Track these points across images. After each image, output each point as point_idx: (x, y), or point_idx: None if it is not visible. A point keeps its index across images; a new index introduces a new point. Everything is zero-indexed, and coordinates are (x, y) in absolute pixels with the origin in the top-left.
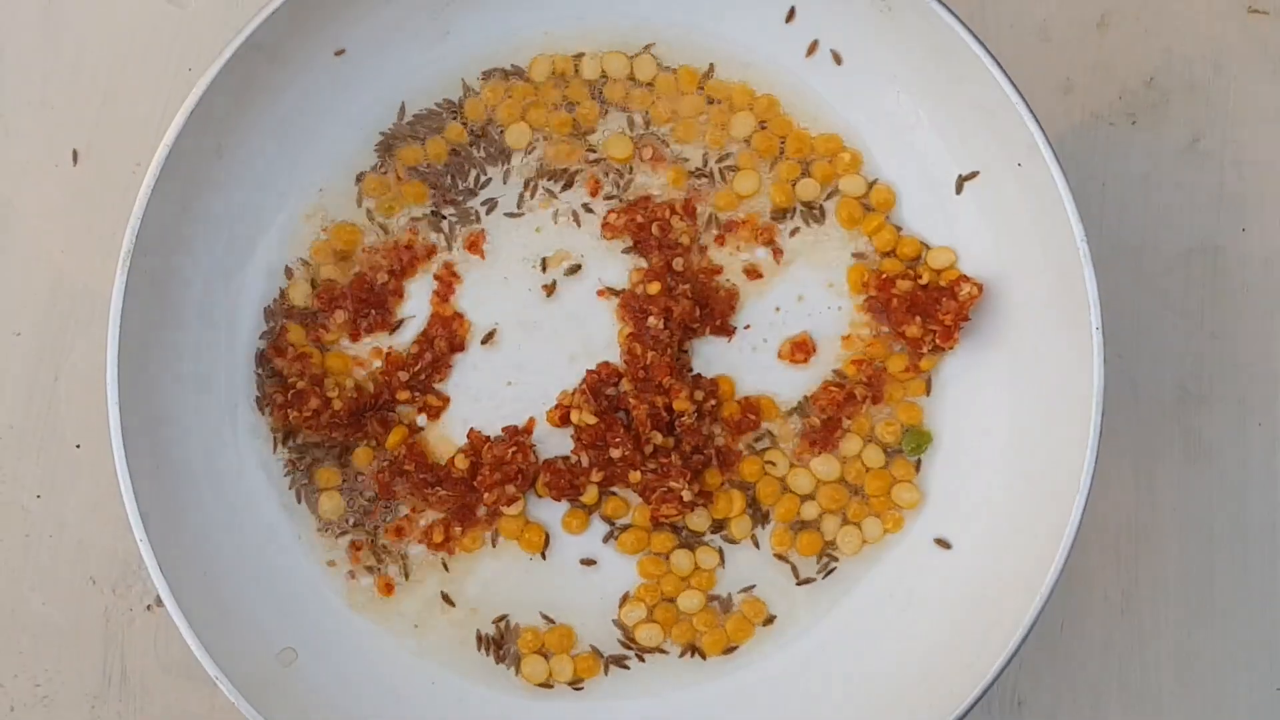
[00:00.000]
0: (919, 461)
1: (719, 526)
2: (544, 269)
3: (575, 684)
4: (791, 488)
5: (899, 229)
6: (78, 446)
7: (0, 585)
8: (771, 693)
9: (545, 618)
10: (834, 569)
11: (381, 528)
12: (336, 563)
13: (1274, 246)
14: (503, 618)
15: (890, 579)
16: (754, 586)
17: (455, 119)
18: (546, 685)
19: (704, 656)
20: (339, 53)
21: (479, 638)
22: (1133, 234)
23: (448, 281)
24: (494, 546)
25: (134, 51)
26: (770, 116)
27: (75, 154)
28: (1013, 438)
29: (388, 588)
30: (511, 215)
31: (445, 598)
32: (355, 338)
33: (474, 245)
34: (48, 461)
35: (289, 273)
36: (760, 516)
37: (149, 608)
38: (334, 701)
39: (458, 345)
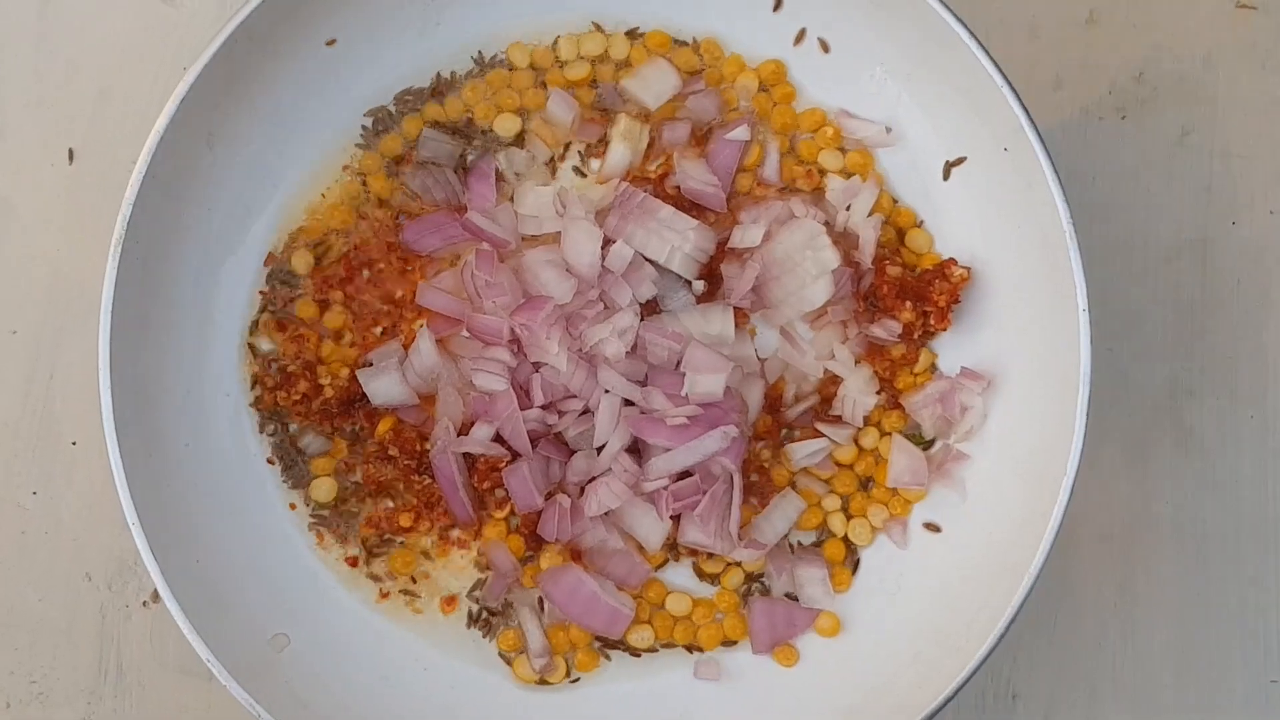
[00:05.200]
0: (928, 445)
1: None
2: None
3: (573, 679)
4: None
5: (894, 200)
6: (73, 443)
7: None
8: (762, 678)
9: (540, 606)
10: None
11: (368, 516)
12: (328, 549)
13: (1263, 239)
14: (501, 604)
15: (880, 563)
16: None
17: (438, 103)
18: (541, 683)
19: (701, 650)
20: (330, 43)
21: (472, 620)
22: (1123, 228)
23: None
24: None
25: (129, 51)
26: (775, 81)
27: (71, 153)
28: (1002, 421)
29: (378, 575)
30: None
31: (438, 585)
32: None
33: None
34: (43, 458)
35: (291, 241)
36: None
37: (145, 604)
38: (326, 686)
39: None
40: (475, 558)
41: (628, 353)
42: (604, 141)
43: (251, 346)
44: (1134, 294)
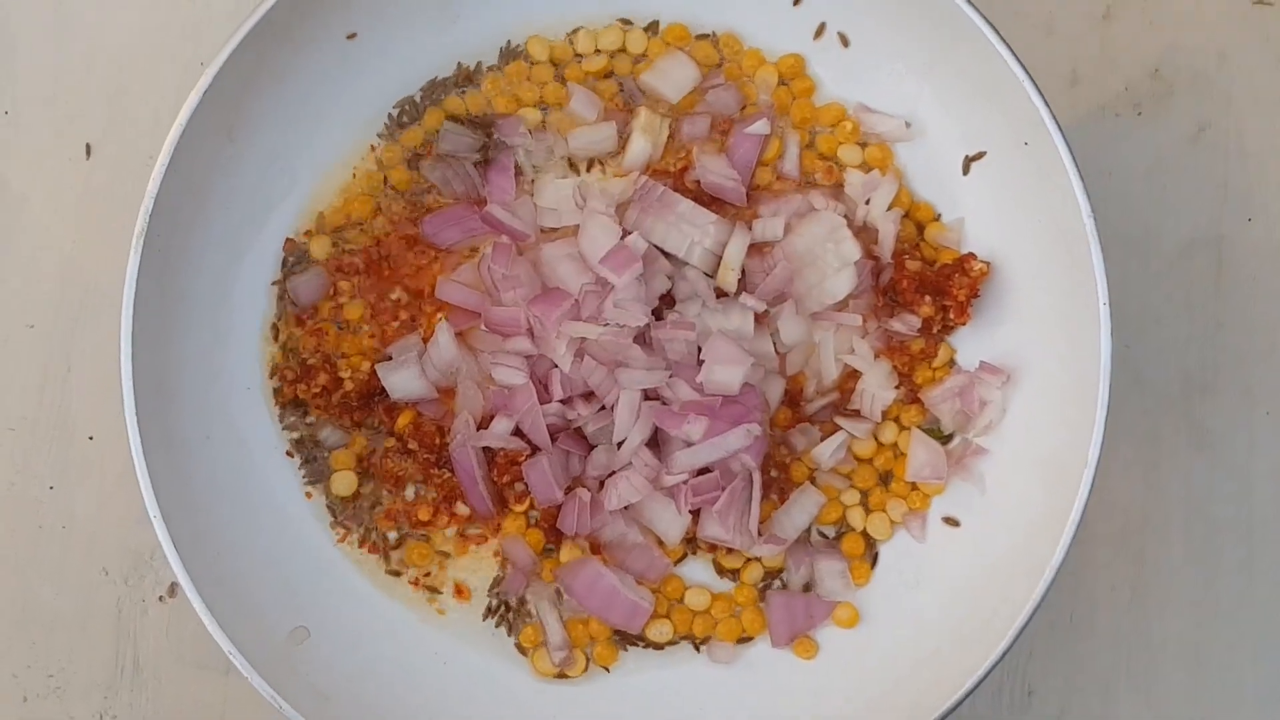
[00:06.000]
0: (947, 439)
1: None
2: None
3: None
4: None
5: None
6: (90, 438)
7: (13, 577)
8: (781, 671)
9: (558, 594)
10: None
11: (386, 509)
12: (348, 542)
13: (1279, 236)
14: (519, 599)
15: (899, 557)
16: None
17: (459, 96)
18: (560, 676)
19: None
20: (350, 36)
21: (490, 613)
22: (1139, 225)
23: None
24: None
25: (145, 46)
26: (795, 75)
27: (88, 148)
28: (1021, 416)
29: (398, 569)
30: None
31: (456, 575)
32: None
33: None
34: (60, 453)
35: (314, 226)
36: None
37: (161, 598)
38: (346, 678)
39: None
40: (496, 552)
41: (646, 349)
42: (624, 135)
43: (275, 331)
44: (1149, 291)
